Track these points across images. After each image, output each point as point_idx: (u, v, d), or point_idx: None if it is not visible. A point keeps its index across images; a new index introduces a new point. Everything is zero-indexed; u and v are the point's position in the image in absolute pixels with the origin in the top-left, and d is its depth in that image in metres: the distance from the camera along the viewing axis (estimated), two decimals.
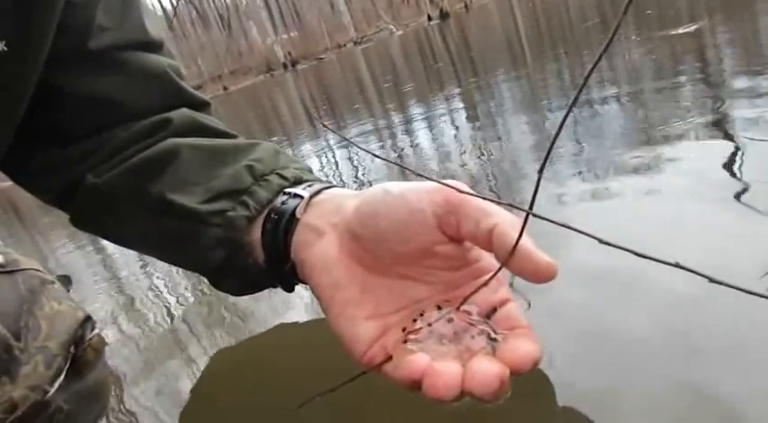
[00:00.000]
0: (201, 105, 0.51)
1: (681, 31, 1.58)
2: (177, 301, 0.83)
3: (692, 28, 1.56)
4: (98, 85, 0.45)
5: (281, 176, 0.42)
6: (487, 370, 0.27)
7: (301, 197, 0.40)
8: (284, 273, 0.40)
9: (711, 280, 0.24)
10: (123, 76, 0.46)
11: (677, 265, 0.24)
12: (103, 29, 0.45)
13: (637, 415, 0.35)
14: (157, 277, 0.98)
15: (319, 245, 0.37)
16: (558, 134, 0.27)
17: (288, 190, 0.41)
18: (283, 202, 0.40)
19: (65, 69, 0.44)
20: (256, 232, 0.41)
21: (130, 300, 0.93)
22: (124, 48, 0.46)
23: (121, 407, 0.61)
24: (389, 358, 0.32)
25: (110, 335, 0.78)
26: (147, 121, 0.46)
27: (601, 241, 0.26)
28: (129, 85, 0.46)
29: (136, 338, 0.76)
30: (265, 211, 0.41)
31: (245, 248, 0.41)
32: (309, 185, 0.41)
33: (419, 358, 0.29)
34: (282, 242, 0.39)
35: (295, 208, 0.39)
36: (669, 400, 0.35)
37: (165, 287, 0.92)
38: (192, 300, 0.82)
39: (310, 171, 0.45)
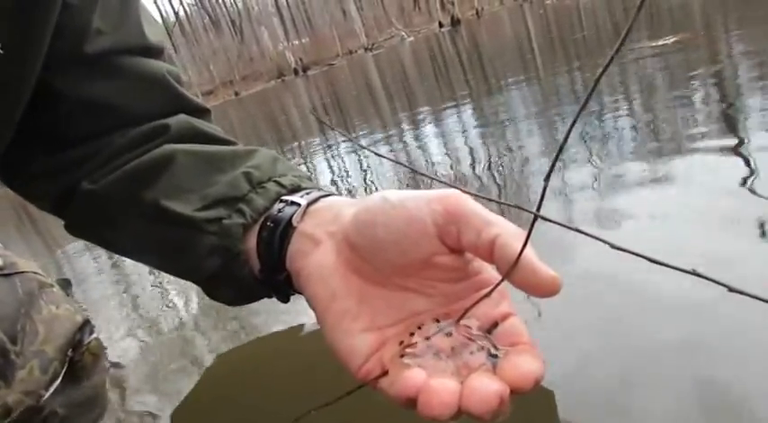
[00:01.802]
0: (201, 112, 0.50)
1: (660, 42, 1.69)
2: (185, 304, 0.83)
3: (671, 40, 1.68)
4: (95, 89, 0.44)
5: (279, 184, 0.41)
6: (487, 388, 0.26)
7: (298, 205, 0.39)
8: (279, 282, 0.39)
9: (731, 289, 0.22)
10: (120, 81, 0.45)
11: (694, 273, 0.23)
12: (100, 32, 0.44)
13: None
14: (166, 281, 0.97)
15: (315, 254, 0.35)
16: (565, 140, 0.26)
17: (285, 198, 0.40)
18: (280, 210, 0.39)
19: (61, 73, 0.44)
20: (252, 241, 0.40)
21: (139, 303, 0.92)
22: (122, 52, 0.46)
23: (124, 409, 0.61)
24: (386, 373, 0.31)
25: (117, 338, 0.78)
26: (144, 127, 0.45)
27: (613, 246, 0.25)
28: (127, 91, 0.46)
29: (143, 342, 0.75)
30: (261, 220, 0.40)
31: (241, 257, 0.40)
32: (307, 193, 0.40)
33: (415, 374, 0.27)
34: (278, 251, 0.38)
35: (291, 216, 0.38)
36: (679, 413, 0.34)
37: (174, 290, 0.91)
38: (200, 302, 0.81)
39: (309, 179, 0.44)
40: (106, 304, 0.97)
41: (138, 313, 0.88)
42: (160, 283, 0.98)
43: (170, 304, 0.86)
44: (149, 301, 0.92)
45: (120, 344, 0.76)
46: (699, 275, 0.23)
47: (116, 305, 0.95)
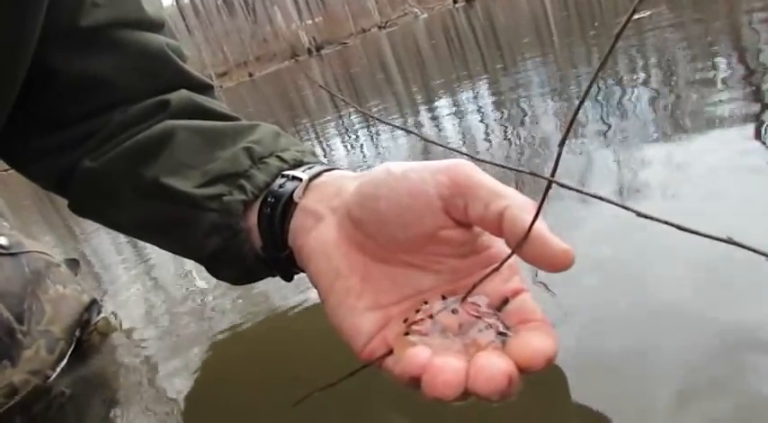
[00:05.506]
0: (203, 87, 0.49)
1: (636, 17, 1.68)
2: (204, 281, 0.82)
3: (648, 14, 1.71)
4: (92, 64, 0.43)
5: (281, 159, 0.40)
6: (494, 367, 0.24)
7: (300, 180, 0.37)
8: (282, 260, 0.37)
9: None
10: (118, 56, 0.44)
11: (730, 241, 0.21)
12: (96, 5, 0.43)
13: (663, 414, 0.32)
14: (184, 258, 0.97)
15: (317, 230, 0.34)
16: (580, 106, 0.24)
17: (287, 173, 0.39)
18: (281, 186, 0.38)
19: (57, 48, 0.42)
20: (253, 217, 0.39)
21: (156, 279, 0.92)
22: (119, 26, 0.44)
23: (139, 388, 0.60)
24: (390, 352, 0.30)
25: (134, 316, 0.78)
26: (144, 103, 0.44)
27: (638, 214, 0.23)
28: (125, 66, 0.44)
29: (160, 320, 0.75)
30: (263, 195, 0.39)
31: (242, 235, 0.39)
32: (310, 168, 0.39)
33: (419, 352, 0.26)
34: (279, 227, 0.37)
35: (293, 191, 0.37)
36: (700, 396, 0.32)
37: (191, 267, 0.91)
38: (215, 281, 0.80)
39: (313, 154, 0.43)
40: (126, 281, 0.98)
41: (155, 289, 0.88)
42: (179, 260, 0.98)
43: (187, 282, 0.86)
44: (167, 277, 0.91)
45: (135, 318, 0.76)
46: (735, 243, 0.21)
47: (136, 281, 0.95)
